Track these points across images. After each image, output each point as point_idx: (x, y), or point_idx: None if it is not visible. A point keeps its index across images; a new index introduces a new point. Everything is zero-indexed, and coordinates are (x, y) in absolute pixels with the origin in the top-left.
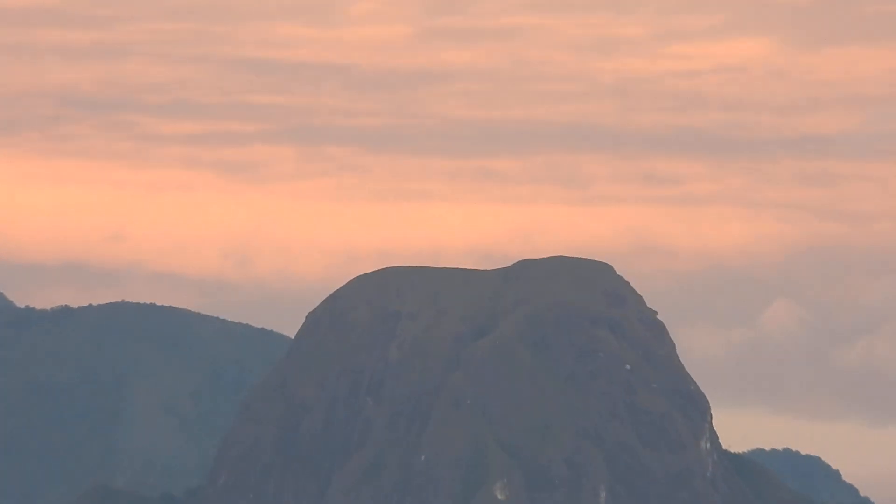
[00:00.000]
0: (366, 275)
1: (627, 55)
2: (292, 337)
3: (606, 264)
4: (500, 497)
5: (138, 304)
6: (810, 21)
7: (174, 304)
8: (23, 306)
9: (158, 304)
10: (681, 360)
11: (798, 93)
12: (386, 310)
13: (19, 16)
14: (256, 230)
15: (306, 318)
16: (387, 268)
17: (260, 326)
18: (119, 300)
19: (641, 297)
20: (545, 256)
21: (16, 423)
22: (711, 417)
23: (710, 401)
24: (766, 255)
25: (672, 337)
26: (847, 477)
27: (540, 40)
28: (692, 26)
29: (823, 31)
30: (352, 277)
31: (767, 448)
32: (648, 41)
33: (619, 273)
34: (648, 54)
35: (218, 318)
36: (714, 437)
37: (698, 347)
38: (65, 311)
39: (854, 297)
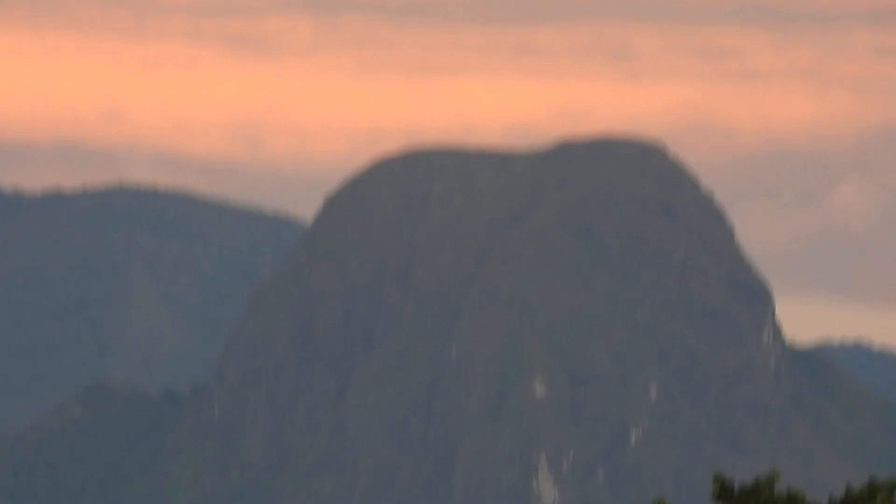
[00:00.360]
0: (390, 156)
1: None
2: (308, 223)
3: (658, 145)
4: (538, 395)
5: (137, 187)
6: None
7: (177, 187)
8: (10, 190)
9: (160, 186)
10: (740, 247)
11: None
12: (413, 194)
13: None
14: (268, 107)
15: (324, 202)
16: (413, 148)
17: (272, 211)
18: (116, 183)
19: (696, 179)
20: (590, 136)
21: (3, 317)
22: (774, 308)
23: (772, 291)
24: (835, 135)
25: (730, 223)
26: None
27: None
28: None
29: None
30: (375, 159)
31: (836, 341)
32: None
33: (671, 154)
34: None
35: (226, 203)
36: (777, 329)
37: (760, 233)
38: (57, 195)
39: None
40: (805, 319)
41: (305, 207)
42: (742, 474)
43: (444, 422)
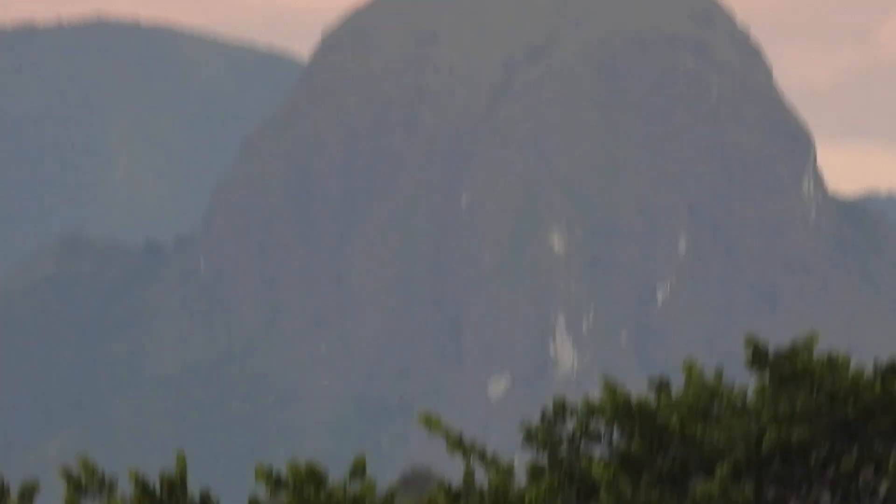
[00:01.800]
0: None
1: None
2: (305, 60)
3: None
4: (556, 248)
5: (117, 19)
6: None
7: (160, 20)
8: None
9: (142, 19)
10: (778, 88)
11: None
12: (420, 27)
13: None
14: None
15: (323, 37)
16: None
17: (266, 47)
18: (94, 15)
19: (732, 13)
20: None
21: None
22: (815, 155)
23: (813, 136)
24: None
25: (768, 61)
26: None
27: None
28: None
29: None
30: None
31: (883, 191)
32: None
33: None
34: None
35: (214, 38)
36: (818, 178)
37: (800, 73)
38: (29, 29)
39: None
40: (849, 167)
41: (302, 43)
42: (778, 336)
43: (453, 278)
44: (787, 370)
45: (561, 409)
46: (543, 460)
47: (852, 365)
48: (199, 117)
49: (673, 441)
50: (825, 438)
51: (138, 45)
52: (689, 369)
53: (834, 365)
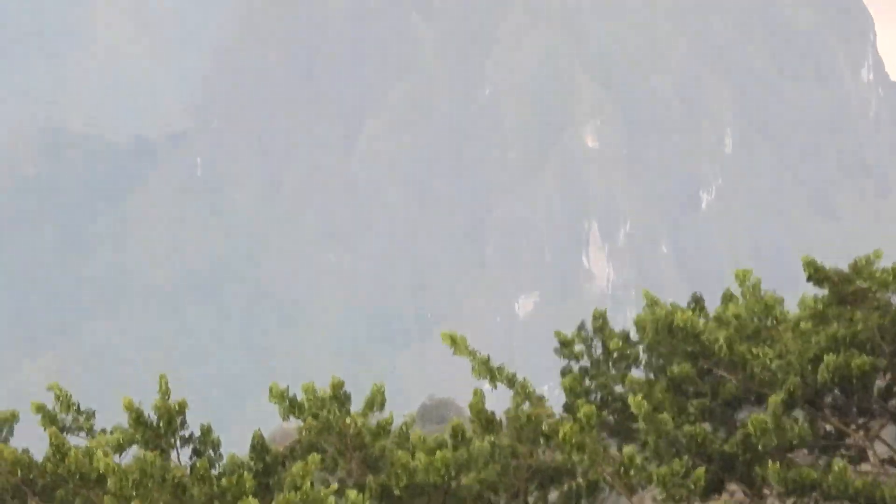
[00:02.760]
0: None
1: None
2: None
3: None
4: (590, 143)
5: None
6: None
7: None
8: None
9: None
10: None
11: None
12: None
13: None
14: None
15: None
16: None
17: None
18: None
19: None
20: None
21: None
22: (876, 38)
23: (873, 18)
24: None
25: None
26: None
27: None
28: None
29: None
30: None
31: None
32: None
33: None
34: None
35: None
36: (880, 64)
37: None
38: None
39: None
40: None
41: None
42: (834, 247)
43: (474, 177)
44: (848, 290)
45: (601, 321)
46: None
47: None
48: None
49: (720, 364)
50: (888, 365)
51: None
52: (743, 279)
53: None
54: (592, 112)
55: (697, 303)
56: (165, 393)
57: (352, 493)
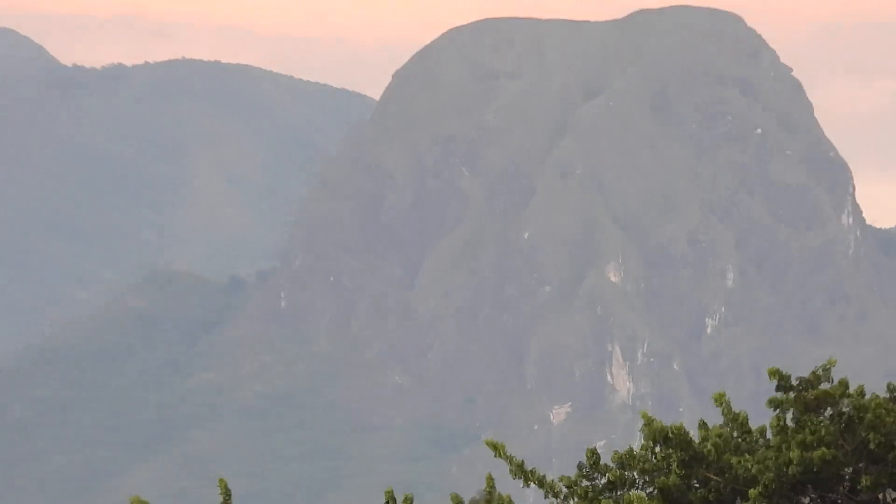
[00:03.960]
0: (460, 27)
1: None
2: (376, 98)
3: (736, 15)
4: (613, 279)
5: (200, 61)
6: None
7: (240, 62)
8: (69, 64)
9: (223, 61)
10: (820, 123)
11: None
12: (483, 67)
13: None
14: None
15: (393, 76)
16: (483, 19)
17: (339, 86)
18: (178, 57)
19: (775, 51)
20: (665, 4)
21: (63, 198)
22: (854, 188)
23: (852, 169)
24: None
25: (809, 97)
26: None
27: None
28: None
29: None
30: (444, 30)
31: None
32: None
33: (749, 25)
34: None
35: (290, 77)
36: (857, 210)
37: (840, 109)
38: (117, 70)
39: None
40: (888, 199)
41: (374, 84)
42: (821, 362)
43: (516, 309)
44: (809, 396)
45: (595, 460)
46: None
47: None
48: (278, 154)
49: (710, 468)
50: (851, 462)
51: (219, 85)
52: (719, 400)
53: (844, 385)
54: (615, 252)
55: (702, 424)
56: (227, 495)
57: None
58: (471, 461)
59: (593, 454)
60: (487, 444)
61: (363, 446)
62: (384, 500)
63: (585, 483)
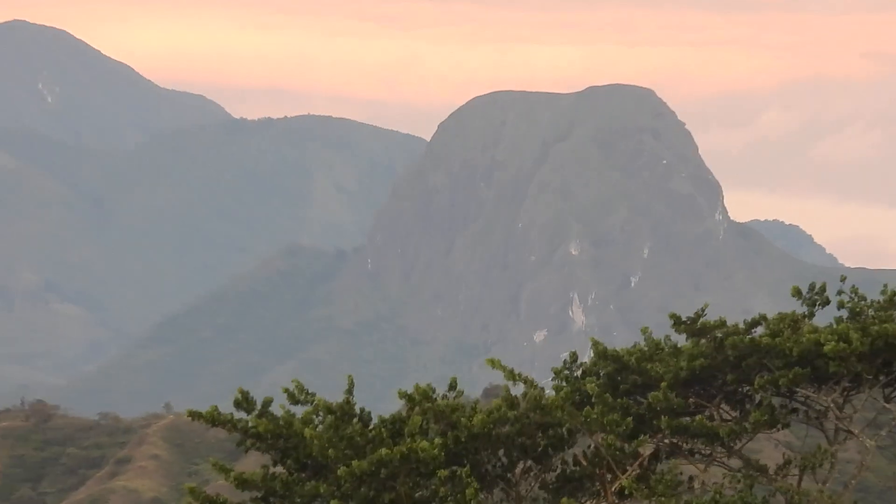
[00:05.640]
0: (481, 96)
1: None
2: (427, 139)
3: (649, 89)
4: (574, 253)
5: (320, 116)
6: None
7: (344, 116)
8: (237, 117)
9: (334, 116)
10: (702, 156)
11: None
12: (494, 120)
13: None
14: (404, 63)
15: (438, 126)
16: (494, 91)
17: (406, 132)
18: (305, 113)
19: (675, 112)
20: (607, 84)
21: (231, 199)
22: (723, 197)
23: (722, 185)
24: (761, 85)
25: (696, 141)
26: (818, 240)
27: None
28: None
29: None
30: (471, 97)
31: (762, 219)
32: None
33: (658, 96)
34: None
35: (375, 126)
36: (725, 211)
37: (714, 147)
38: (266, 121)
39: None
40: (743, 205)
41: (426, 131)
42: (700, 306)
43: (514, 270)
44: (695, 329)
45: (573, 358)
46: (563, 384)
47: (731, 324)
48: (367, 174)
49: (633, 372)
50: (721, 368)
51: (331, 131)
52: (645, 331)
53: (722, 324)
54: (575, 236)
55: (635, 346)
56: (351, 387)
57: (437, 440)
58: (484, 365)
59: (573, 356)
60: (487, 362)
61: (418, 355)
62: (448, 385)
63: (566, 372)
